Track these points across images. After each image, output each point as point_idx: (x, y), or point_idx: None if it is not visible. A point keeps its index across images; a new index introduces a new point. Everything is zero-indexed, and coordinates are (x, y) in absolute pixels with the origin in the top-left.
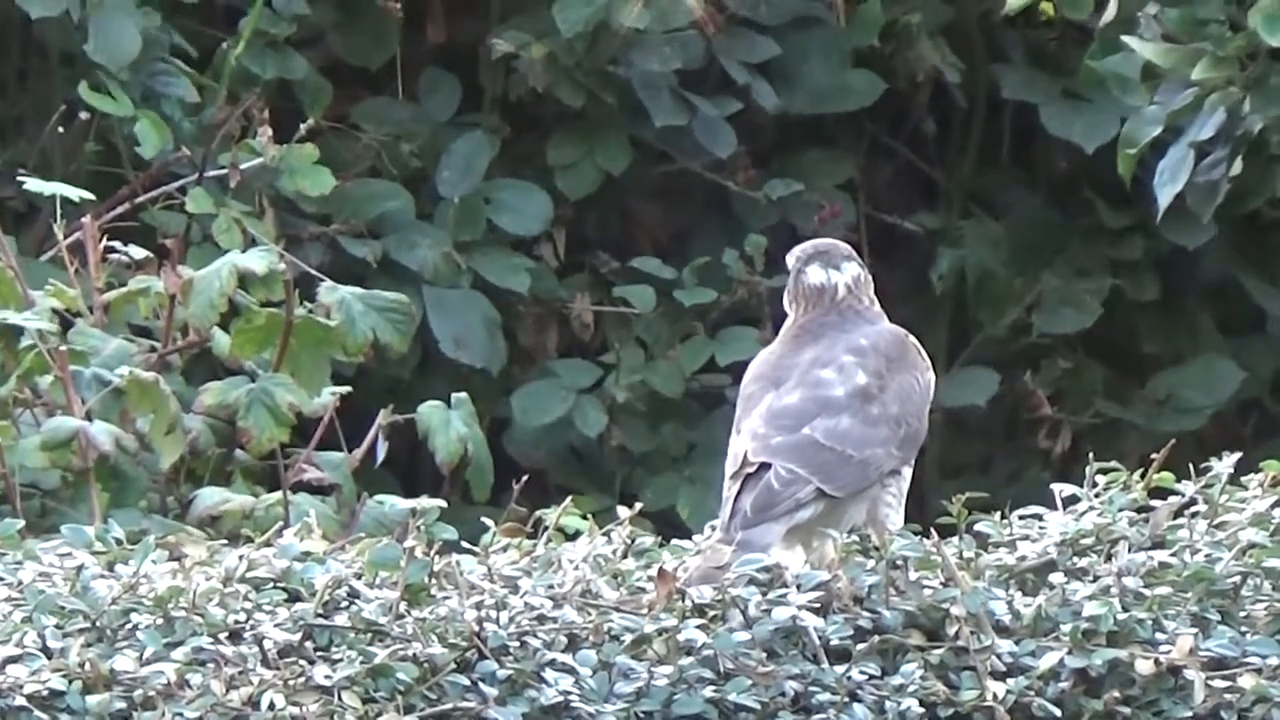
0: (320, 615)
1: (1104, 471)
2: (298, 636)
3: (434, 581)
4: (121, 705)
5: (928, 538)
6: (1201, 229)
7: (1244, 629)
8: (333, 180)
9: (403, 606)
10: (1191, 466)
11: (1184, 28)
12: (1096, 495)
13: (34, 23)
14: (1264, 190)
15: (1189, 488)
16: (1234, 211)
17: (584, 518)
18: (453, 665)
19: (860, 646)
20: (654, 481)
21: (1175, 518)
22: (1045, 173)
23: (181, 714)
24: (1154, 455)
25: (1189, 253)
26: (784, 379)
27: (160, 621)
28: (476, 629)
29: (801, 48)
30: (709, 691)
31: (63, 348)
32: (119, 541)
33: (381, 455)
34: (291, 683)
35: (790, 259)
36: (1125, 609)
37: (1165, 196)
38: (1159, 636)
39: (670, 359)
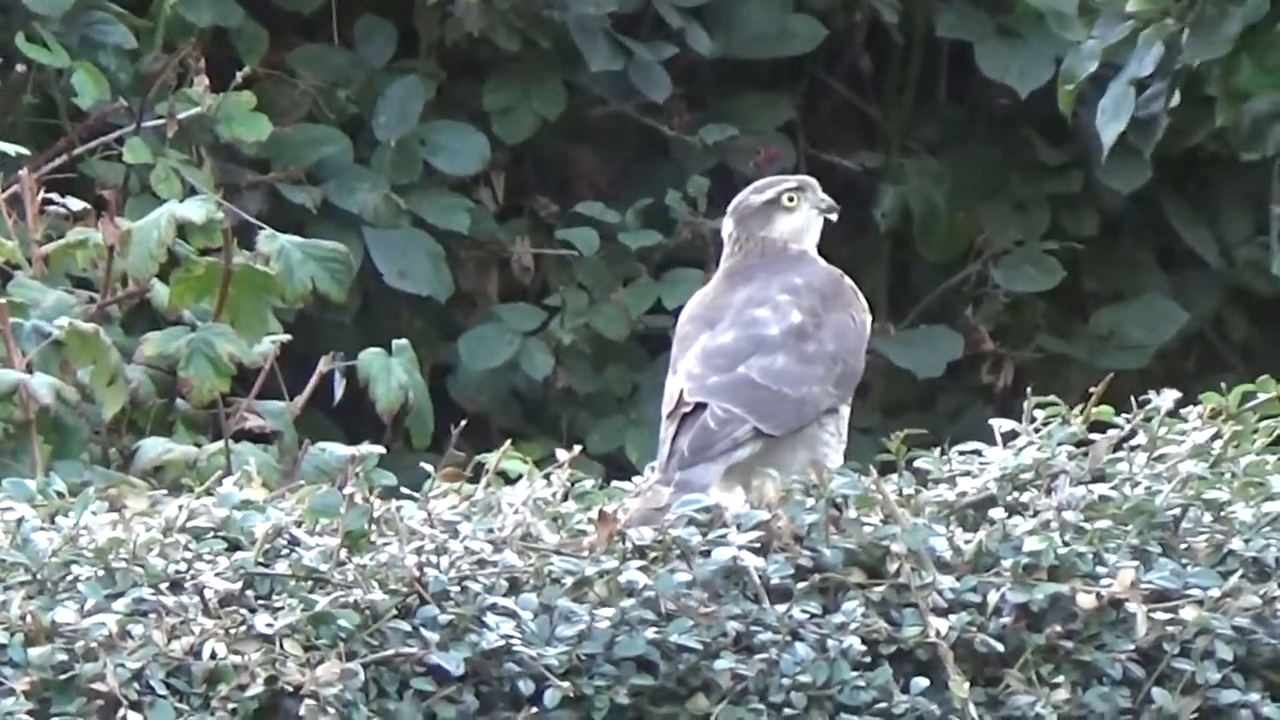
0: (261, 564)
1: (1042, 406)
2: (238, 585)
3: (374, 528)
4: (63, 657)
5: (867, 475)
6: (1139, 170)
7: (1185, 561)
8: (270, 126)
9: (343, 553)
10: (1134, 401)
11: None
12: (1036, 430)
13: None
14: (1202, 127)
15: (1128, 421)
16: (1172, 149)
17: (525, 462)
18: (394, 611)
19: (801, 585)
20: (600, 424)
21: (1115, 451)
22: (984, 109)
23: (123, 665)
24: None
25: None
26: (718, 319)
27: (101, 573)
28: (417, 574)
29: None
30: (651, 633)
31: (2, 300)
32: (60, 494)
33: (339, 393)
34: (233, 631)
35: None
36: (1066, 543)
37: (1109, 135)
38: (1100, 570)
39: (614, 302)
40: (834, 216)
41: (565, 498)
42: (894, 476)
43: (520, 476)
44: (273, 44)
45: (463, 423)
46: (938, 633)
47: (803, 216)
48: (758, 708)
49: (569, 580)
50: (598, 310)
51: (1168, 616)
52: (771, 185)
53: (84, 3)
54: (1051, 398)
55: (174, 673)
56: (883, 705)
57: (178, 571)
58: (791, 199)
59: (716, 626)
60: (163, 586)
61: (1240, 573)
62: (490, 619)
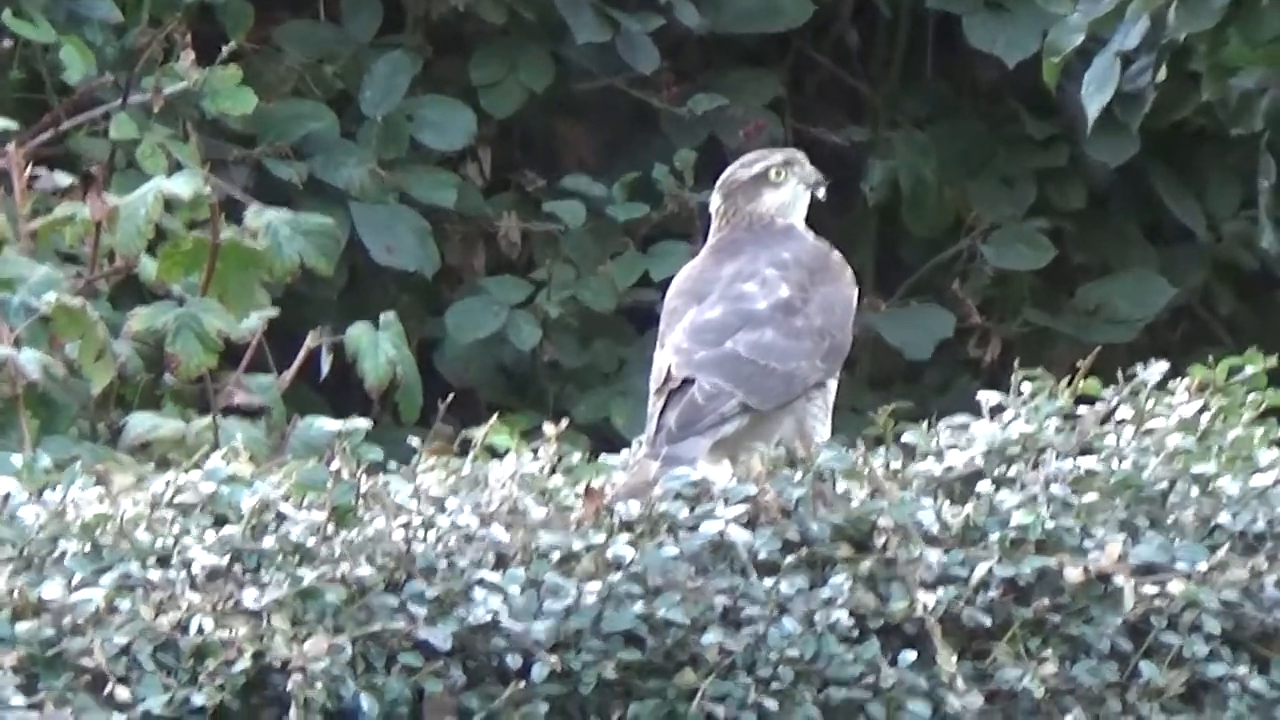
0: (248, 538)
1: (1030, 379)
2: (225, 560)
3: (361, 502)
4: (50, 632)
5: (854, 449)
6: (1126, 144)
7: (1172, 535)
8: (256, 101)
9: (330, 528)
10: (1121, 374)
11: None
12: (1023, 404)
13: None
14: (1189, 101)
15: (1115, 395)
16: (1159, 123)
17: (512, 437)
18: (381, 586)
19: (788, 559)
20: (586, 397)
21: (1102, 425)
22: (970, 83)
23: (110, 639)
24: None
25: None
26: (706, 293)
27: (88, 548)
28: (404, 549)
29: None
30: (638, 607)
31: None
32: (47, 469)
33: (325, 368)
34: (220, 607)
35: None
36: (1053, 517)
37: (1094, 108)
38: (1087, 544)
39: (601, 275)
40: (821, 191)
41: (552, 472)
42: (881, 450)
43: (508, 451)
44: (259, 19)
45: (450, 397)
46: (925, 606)
47: (789, 191)
48: (745, 682)
49: (556, 555)
50: (584, 283)
51: (1155, 590)
52: (759, 160)
53: None
54: (1039, 371)
55: (161, 648)
56: (870, 679)
57: (165, 546)
58: (779, 173)
59: (704, 601)
60: (150, 562)
61: (1228, 546)
62: (477, 594)
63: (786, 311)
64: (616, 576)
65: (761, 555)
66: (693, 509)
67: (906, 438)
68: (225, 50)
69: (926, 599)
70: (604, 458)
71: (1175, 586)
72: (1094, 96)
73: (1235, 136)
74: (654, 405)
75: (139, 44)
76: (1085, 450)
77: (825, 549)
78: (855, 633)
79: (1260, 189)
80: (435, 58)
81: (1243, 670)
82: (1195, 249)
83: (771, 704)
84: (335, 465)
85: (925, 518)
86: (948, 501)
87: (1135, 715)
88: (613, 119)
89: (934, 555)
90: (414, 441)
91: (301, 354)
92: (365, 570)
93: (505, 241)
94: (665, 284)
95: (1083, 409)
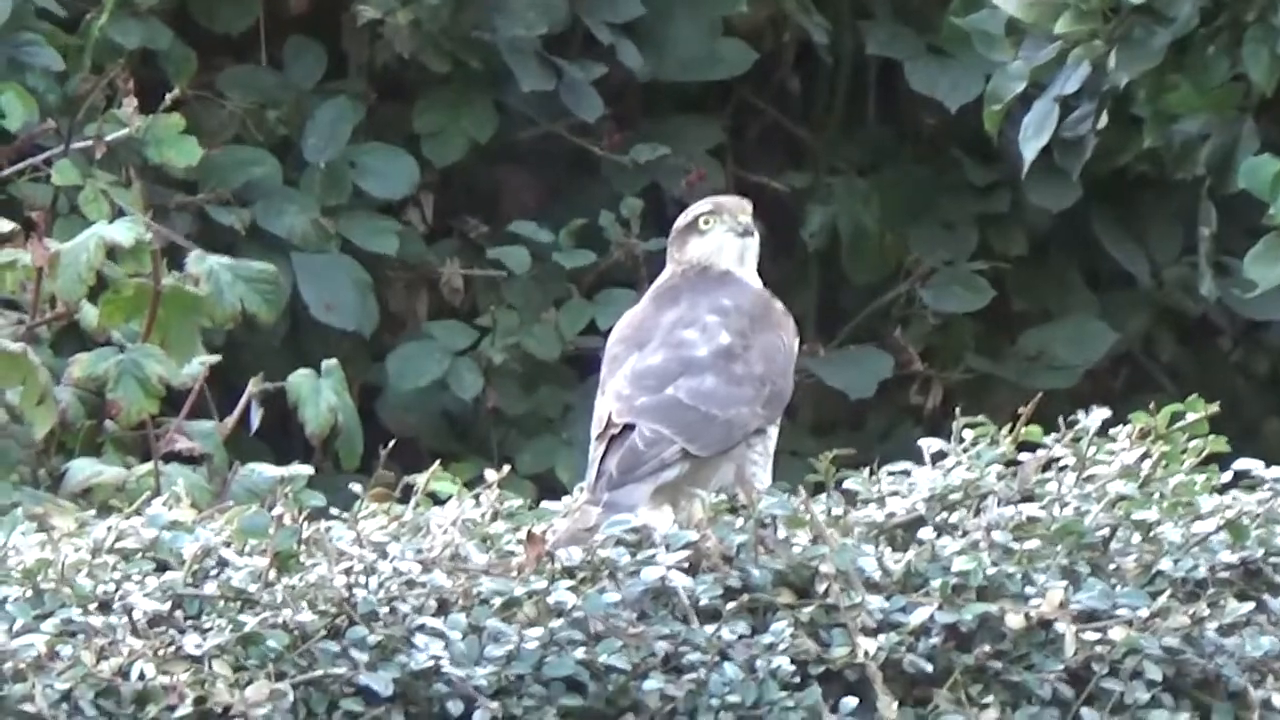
0: (189, 584)
1: (971, 426)
2: (167, 606)
3: (303, 548)
4: None
5: (796, 496)
6: (1068, 190)
7: (1114, 581)
8: (199, 150)
9: (272, 574)
10: (1062, 421)
11: None
12: (965, 450)
13: None
14: (1130, 147)
15: (1057, 441)
16: (1100, 169)
17: (454, 483)
18: (323, 632)
19: (730, 606)
20: (531, 445)
21: (1044, 471)
22: (911, 130)
23: (52, 685)
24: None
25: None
26: (647, 340)
27: (29, 594)
28: (346, 595)
29: (668, 12)
30: (580, 653)
31: None
32: None
33: (255, 422)
34: (161, 652)
35: None
36: (994, 563)
37: (1030, 151)
38: (1029, 590)
39: (545, 322)
40: (751, 239)
41: (494, 518)
42: (823, 497)
43: (449, 497)
44: (201, 65)
45: (391, 444)
46: (866, 653)
47: (715, 239)
48: None
49: (498, 601)
50: (529, 330)
51: (1096, 637)
52: (694, 209)
53: (12, 24)
54: (980, 418)
55: (103, 694)
56: None
57: (106, 592)
58: (706, 221)
59: (645, 647)
60: (91, 607)
61: (1169, 593)
62: (419, 639)
63: (727, 358)
64: (558, 623)
65: (703, 601)
66: (634, 555)
67: (848, 484)
68: (168, 98)
69: (868, 645)
70: (545, 504)
71: (1117, 633)
72: (1030, 140)
73: (1177, 182)
74: (595, 451)
75: (81, 91)
76: (1027, 497)
77: (766, 595)
78: (796, 679)
79: (1201, 235)
80: (378, 104)
81: (1184, 717)
82: (1137, 295)
83: None
84: (277, 511)
85: (867, 564)
86: (889, 548)
87: None
88: (554, 166)
89: (875, 602)
90: (356, 488)
91: (243, 401)
92: (307, 616)
93: (447, 288)
94: (610, 331)
95: (1024, 455)
